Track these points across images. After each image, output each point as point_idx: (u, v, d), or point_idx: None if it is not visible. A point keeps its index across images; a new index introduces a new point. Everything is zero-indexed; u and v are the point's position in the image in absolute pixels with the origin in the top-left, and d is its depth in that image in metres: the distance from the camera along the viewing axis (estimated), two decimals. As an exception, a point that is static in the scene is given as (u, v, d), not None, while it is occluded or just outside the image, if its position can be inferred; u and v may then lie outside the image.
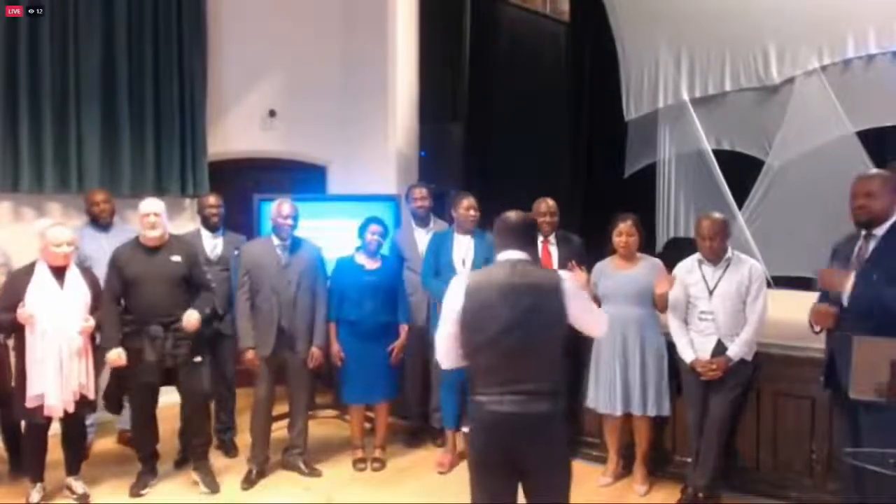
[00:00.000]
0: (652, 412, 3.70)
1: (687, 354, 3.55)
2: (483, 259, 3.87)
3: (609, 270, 3.82)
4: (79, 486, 3.70)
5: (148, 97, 5.02)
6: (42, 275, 3.49)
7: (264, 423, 3.98)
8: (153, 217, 3.61)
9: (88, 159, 4.75)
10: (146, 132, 5.02)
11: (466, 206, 4.12)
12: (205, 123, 5.32)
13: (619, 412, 3.74)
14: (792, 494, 3.54)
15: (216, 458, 4.20)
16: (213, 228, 4.26)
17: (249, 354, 3.87)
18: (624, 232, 3.74)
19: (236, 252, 4.23)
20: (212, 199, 4.30)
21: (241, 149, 5.66)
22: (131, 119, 4.94)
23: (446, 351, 2.36)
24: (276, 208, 3.91)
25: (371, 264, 4.02)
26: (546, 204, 4.15)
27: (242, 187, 5.19)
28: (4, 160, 4.45)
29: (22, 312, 3.38)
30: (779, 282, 4.81)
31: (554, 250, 4.14)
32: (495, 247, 2.44)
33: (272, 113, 5.75)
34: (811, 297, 3.01)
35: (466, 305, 2.28)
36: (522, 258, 2.34)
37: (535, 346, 2.25)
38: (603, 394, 3.77)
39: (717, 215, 3.55)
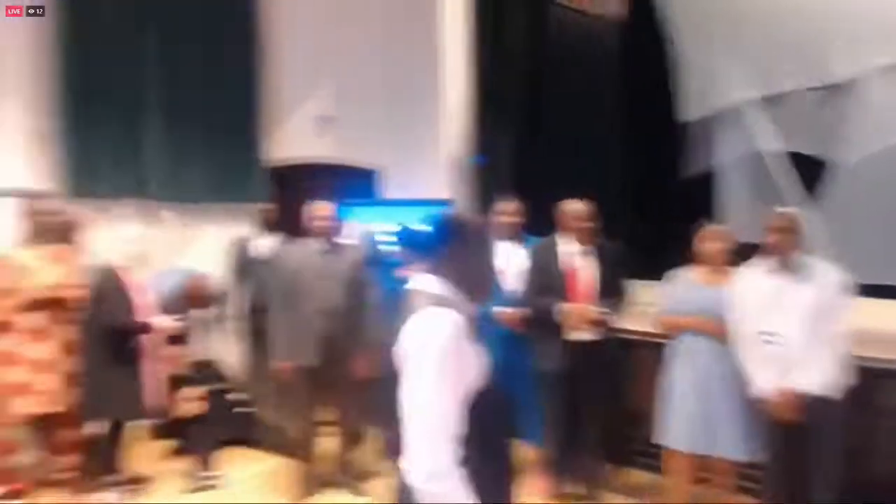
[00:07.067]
0: (749, 456, 3.08)
1: (760, 380, 2.92)
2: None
3: (689, 282, 3.22)
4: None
5: (213, 107, 5.25)
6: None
7: (306, 437, 3.78)
8: None
9: (156, 167, 5.02)
10: (213, 140, 5.26)
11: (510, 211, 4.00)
12: (264, 130, 5.51)
13: (700, 451, 3.16)
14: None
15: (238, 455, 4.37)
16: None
17: (284, 366, 3.67)
18: (718, 238, 3.16)
19: None
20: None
21: (297, 154, 5.81)
22: (196, 128, 5.18)
23: None
24: (312, 209, 3.77)
25: None
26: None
27: (298, 193, 5.32)
28: (80, 166, 4.72)
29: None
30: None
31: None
32: None
33: (327, 119, 5.87)
34: (889, 305, 2.76)
35: None
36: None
37: None
38: (682, 428, 3.15)
39: (786, 210, 2.95)
